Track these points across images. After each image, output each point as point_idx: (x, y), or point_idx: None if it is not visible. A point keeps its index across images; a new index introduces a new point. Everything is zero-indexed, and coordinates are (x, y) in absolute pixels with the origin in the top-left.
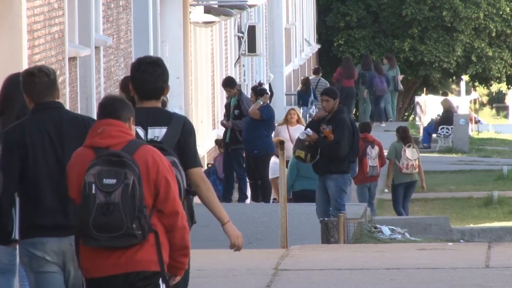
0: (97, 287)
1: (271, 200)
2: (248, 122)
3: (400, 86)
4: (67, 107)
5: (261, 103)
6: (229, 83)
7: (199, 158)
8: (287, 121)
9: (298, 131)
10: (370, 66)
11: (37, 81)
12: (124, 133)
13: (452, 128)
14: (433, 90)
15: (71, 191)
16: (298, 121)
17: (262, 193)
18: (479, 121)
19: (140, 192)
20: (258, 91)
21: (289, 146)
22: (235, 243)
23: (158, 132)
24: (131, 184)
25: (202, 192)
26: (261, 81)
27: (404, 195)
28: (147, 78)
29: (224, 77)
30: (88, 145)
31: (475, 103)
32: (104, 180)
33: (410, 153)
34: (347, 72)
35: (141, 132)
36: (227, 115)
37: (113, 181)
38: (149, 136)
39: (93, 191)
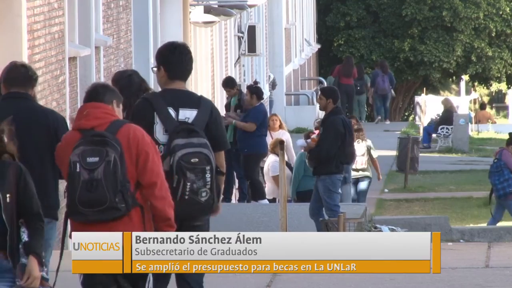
0: None
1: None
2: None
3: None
4: (67, 107)
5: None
6: (229, 83)
7: (226, 140)
8: (269, 127)
9: (281, 136)
10: (363, 76)
11: (16, 70)
12: (108, 114)
13: (452, 128)
14: (433, 90)
15: (63, 172)
16: (281, 127)
17: (252, 192)
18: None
19: (122, 168)
20: (253, 89)
21: None
22: (216, 214)
23: (189, 114)
24: (113, 161)
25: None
26: (257, 80)
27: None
28: (184, 60)
29: (224, 77)
30: (75, 128)
31: (475, 103)
32: (88, 158)
33: None
34: (346, 70)
35: (172, 112)
36: None
37: (96, 159)
38: (180, 117)
39: (78, 170)
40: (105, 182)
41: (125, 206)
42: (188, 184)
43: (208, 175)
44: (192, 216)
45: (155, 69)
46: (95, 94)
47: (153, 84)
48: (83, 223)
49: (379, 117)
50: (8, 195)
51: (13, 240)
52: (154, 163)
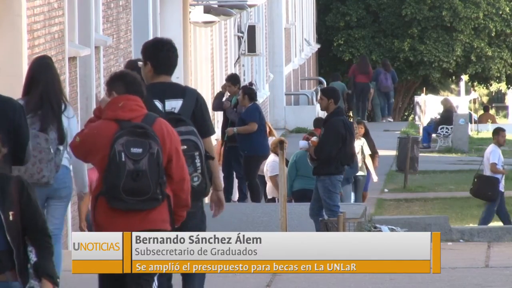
0: None
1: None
2: (240, 122)
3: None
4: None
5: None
6: (231, 79)
7: (212, 126)
8: None
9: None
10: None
11: None
12: (141, 107)
13: (451, 128)
14: (432, 90)
15: (93, 159)
16: (270, 133)
17: (250, 194)
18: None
19: (162, 160)
20: (247, 90)
21: None
22: (222, 209)
23: (175, 104)
24: (156, 153)
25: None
26: (253, 82)
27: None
28: (171, 56)
29: (224, 77)
30: (111, 118)
31: (474, 103)
32: (132, 149)
33: None
34: (362, 68)
35: (158, 104)
36: None
37: (139, 150)
38: (167, 108)
39: (123, 159)
40: (150, 173)
41: (161, 197)
42: None
43: (197, 161)
44: None
45: (141, 63)
46: (139, 87)
47: None
48: (115, 210)
49: (390, 118)
50: (11, 213)
51: (20, 260)
52: (183, 160)
